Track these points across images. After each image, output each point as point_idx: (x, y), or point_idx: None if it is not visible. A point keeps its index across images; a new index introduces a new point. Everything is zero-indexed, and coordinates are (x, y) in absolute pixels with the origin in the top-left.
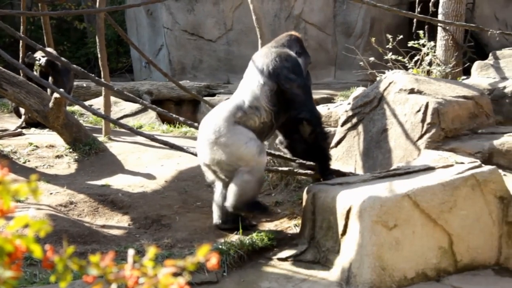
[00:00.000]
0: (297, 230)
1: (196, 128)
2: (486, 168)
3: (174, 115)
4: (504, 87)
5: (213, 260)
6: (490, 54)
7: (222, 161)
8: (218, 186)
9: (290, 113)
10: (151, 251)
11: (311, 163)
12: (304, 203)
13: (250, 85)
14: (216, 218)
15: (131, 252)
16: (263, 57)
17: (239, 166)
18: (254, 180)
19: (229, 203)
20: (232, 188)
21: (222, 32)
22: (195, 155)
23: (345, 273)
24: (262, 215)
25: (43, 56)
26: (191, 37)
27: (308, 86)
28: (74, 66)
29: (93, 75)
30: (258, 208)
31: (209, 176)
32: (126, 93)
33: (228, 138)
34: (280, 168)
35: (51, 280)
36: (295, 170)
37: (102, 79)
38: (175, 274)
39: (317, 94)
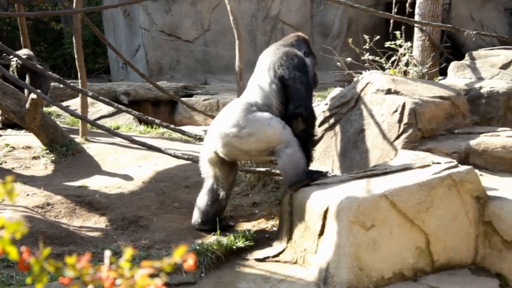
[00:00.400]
0: (274, 230)
1: (172, 129)
2: (463, 168)
3: (150, 118)
4: (480, 88)
5: (190, 261)
6: (467, 55)
7: (251, 150)
8: (207, 185)
9: (288, 107)
10: (128, 252)
11: None
12: (281, 204)
13: (260, 84)
14: (195, 218)
15: (107, 253)
16: (271, 55)
17: (273, 147)
18: (296, 150)
19: (288, 181)
20: (283, 167)
21: (200, 32)
22: (173, 156)
23: (322, 273)
24: (321, 178)
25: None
26: (168, 37)
27: (311, 85)
28: (49, 73)
29: (69, 78)
30: (317, 173)
31: (209, 172)
32: (101, 98)
33: (251, 127)
34: (257, 169)
35: (27, 281)
36: (273, 171)
37: (79, 80)
38: (152, 275)
39: None
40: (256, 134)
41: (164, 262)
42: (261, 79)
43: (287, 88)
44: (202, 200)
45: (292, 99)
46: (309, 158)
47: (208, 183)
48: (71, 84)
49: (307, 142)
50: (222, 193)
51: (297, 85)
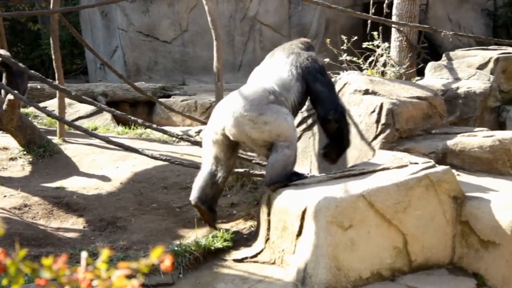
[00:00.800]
0: (253, 231)
1: (154, 129)
2: (440, 168)
3: (132, 117)
4: (457, 88)
5: (167, 262)
6: (444, 55)
7: (259, 139)
8: (207, 167)
9: (317, 112)
10: (105, 253)
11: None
12: (259, 204)
13: (282, 76)
14: (194, 195)
15: (84, 254)
16: (294, 54)
17: (278, 141)
18: (294, 154)
19: (269, 178)
20: (273, 163)
21: (177, 33)
22: (151, 157)
23: (300, 273)
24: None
25: None
26: (146, 38)
27: (333, 84)
28: (32, 71)
29: (48, 78)
30: (297, 175)
31: (210, 153)
32: (84, 97)
33: (269, 116)
34: (235, 170)
35: (3, 283)
36: (251, 172)
37: (57, 81)
38: (129, 276)
39: None
40: (272, 125)
41: (141, 263)
42: (283, 72)
43: (311, 89)
44: (201, 180)
45: (319, 103)
46: (348, 142)
47: (208, 164)
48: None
49: (344, 134)
50: (221, 176)
51: (321, 87)
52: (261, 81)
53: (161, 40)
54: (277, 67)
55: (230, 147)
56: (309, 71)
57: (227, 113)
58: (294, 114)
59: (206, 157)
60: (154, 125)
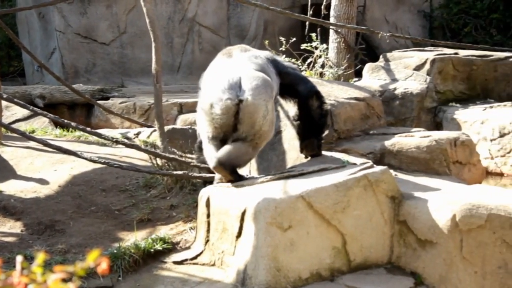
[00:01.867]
0: (192, 233)
1: (88, 132)
2: (378, 168)
3: (65, 121)
4: (395, 89)
5: (103, 265)
6: (381, 56)
7: (254, 127)
8: (216, 140)
9: (299, 92)
10: (40, 257)
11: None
12: (199, 206)
13: (261, 69)
14: (213, 160)
15: (19, 258)
16: (256, 51)
17: (253, 136)
18: (252, 157)
19: (220, 155)
20: (232, 149)
21: (116, 35)
22: (89, 160)
23: (240, 275)
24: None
25: None
26: (84, 40)
27: None
28: None
29: None
30: (239, 177)
31: (222, 123)
32: (16, 100)
33: (271, 114)
34: (174, 172)
35: None
36: (190, 174)
37: None
38: (67, 280)
39: None
40: (269, 122)
41: (77, 266)
42: (259, 66)
43: (289, 75)
44: (216, 149)
45: (301, 83)
46: (322, 133)
47: (217, 138)
48: None
49: (325, 118)
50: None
51: (297, 73)
52: (251, 62)
53: (99, 42)
54: (247, 63)
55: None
56: (278, 61)
57: (247, 85)
58: None
59: (216, 129)
60: (88, 128)
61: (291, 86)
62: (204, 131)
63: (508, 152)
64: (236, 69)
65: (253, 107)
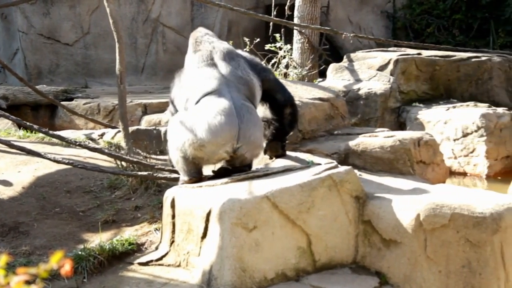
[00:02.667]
0: (157, 234)
1: (51, 135)
2: (342, 168)
3: (28, 123)
4: (359, 89)
5: (67, 267)
6: (345, 57)
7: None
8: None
9: (277, 99)
10: (3, 259)
11: (172, 168)
12: (164, 207)
13: (247, 86)
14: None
15: None
16: (238, 58)
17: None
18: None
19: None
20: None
21: (79, 35)
22: (53, 160)
23: (206, 275)
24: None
25: None
26: (47, 41)
27: None
28: None
29: None
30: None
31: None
32: None
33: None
34: (139, 173)
35: None
36: (155, 175)
37: None
38: (30, 282)
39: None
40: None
41: (40, 268)
42: (246, 82)
43: (270, 81)
44: (194, 169)
45: (279, 91)
46: (284, 140)
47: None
48: None
49: (295, 122)
50: None
51: (277, 79)
52: (237, 95)
53: (63, 43)
54: (237, 86)
55: None
56: (257, 65)
57: (244, 137)
58: None
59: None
60: (51, 131)
61: (269, 91)
62: (180, 150)
63: (471, 152)
64: (230, 109)
65: (249, 155)
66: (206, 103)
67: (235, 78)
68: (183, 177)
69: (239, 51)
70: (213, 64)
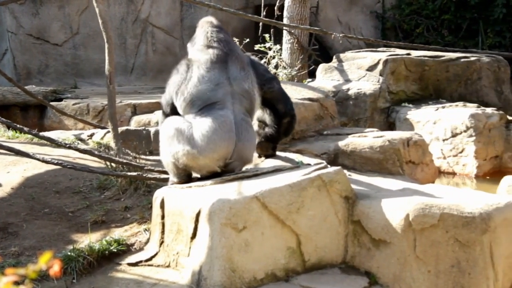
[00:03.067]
0: (147, 234)
1: (40, 137)
2: (332, 169)
3: (18, 125)
4: (348, 89)
5: (56, 267)
6: (334, 57)
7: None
8: None
9: (278, 108)
10: None
11: (162, 168)
12: (153, 207)
13: (249, 100)
14: None
15: None
16: (248, 65)
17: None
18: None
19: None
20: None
21: (68, 36)
22: (42, 161)
23: (195, 276)
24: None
25: None
26: (36, 41)
27: None
28: None
29: None
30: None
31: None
32: None
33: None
34: (129, 173)
35: None
36: (144, 175)
37: None
38: (19, 283)
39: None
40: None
41: (29, 269)
42: (249, 95)
43: (273, 94)
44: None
45: (281, 102)
46: (277, 143)
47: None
48: None
49: (288, 130)
50: None
51: (281, 89)
52: (239, 109)
53: (52, 43)
54: (239, 86)
55: None
56: (262, 73)
57: (239, 154)
58: None
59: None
60: (40, 133)
61: (272, 100)
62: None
63: (460, 152)
64: (230, 125)
65: (239, 168)
66: (208, 113)
67: (241, 90)
68: (172, 178)
69: (251, 57)
70: (225, 69)
